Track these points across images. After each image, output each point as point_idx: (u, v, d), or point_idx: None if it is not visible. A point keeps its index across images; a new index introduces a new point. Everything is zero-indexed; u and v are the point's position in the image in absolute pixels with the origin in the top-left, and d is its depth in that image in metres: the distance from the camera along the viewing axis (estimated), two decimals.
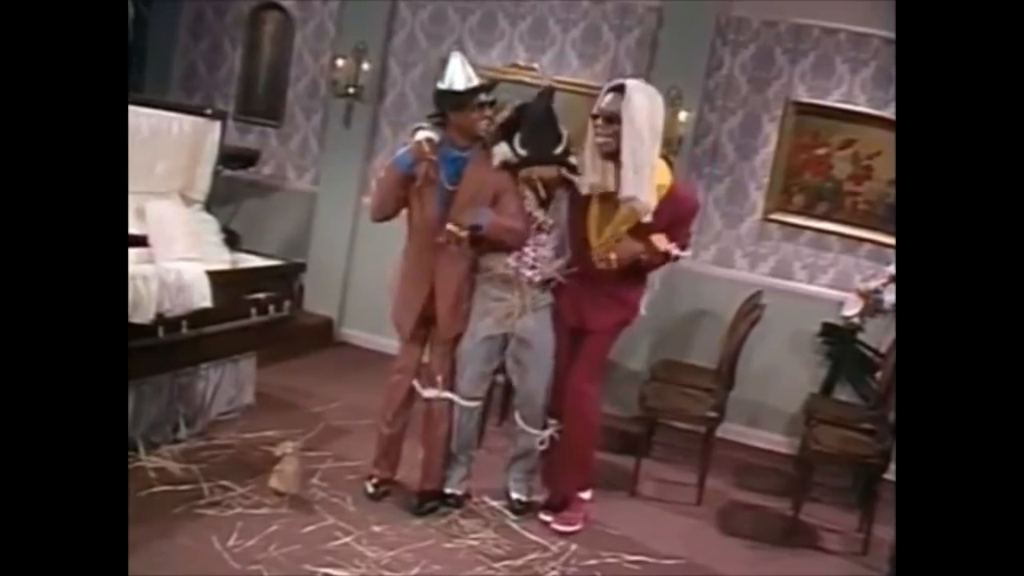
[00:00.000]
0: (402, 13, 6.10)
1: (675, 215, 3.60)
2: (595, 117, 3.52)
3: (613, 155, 3.48)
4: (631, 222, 3.52)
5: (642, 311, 3.81)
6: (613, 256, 3.54)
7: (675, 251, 3.60)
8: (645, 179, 3.45)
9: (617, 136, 3.44)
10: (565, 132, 3.62)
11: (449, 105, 3.53)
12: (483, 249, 3.64)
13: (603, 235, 3.59)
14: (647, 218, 3.50)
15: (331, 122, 6.22)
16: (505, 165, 3.60)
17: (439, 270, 3.61)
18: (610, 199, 3.54)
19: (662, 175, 3.55)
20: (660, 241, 3.55)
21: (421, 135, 3.54)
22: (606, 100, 3.52)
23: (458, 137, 3.56)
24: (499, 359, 3.82)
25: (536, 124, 3.59)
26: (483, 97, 3.51)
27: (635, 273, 3.71)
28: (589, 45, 5.72)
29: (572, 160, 3.60)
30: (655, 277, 3.94)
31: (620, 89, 3.49)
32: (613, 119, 3.45)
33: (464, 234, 3.48)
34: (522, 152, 3.57)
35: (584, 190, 3.59)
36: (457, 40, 5.87)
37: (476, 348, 3.72)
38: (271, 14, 6.46)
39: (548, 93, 3.73)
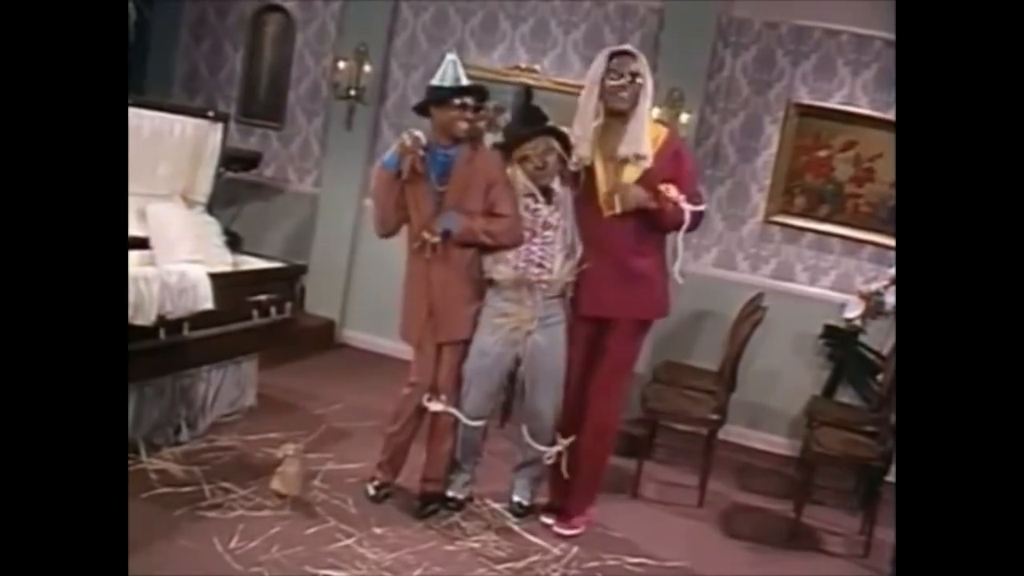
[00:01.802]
0: (404, 15, 6.11)
1: (677, 166, 3.57)
2: (612, 74, 3.51)
3: (623, 113, 3.53)
4: (635, 176, 3.53)
5: (677, 278, 3.70)
6: (617, 198, 3.49)
7: (686, 205, 3.51)
8: (648, 135, 3.53)
9: (636, 94, 3.51)
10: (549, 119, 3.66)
11: (433, 100, 3.58)
12: (481, 252, 3.63)
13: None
14: (647, 163, 3.50)
15: (333, 124, 6.22)
16: (497, 147, 3.65)
17: (435, 271, 3.60)
18: (612, 160, 3.56)
19: (655, 129, 3.62)
20: (669, 190, 3.50)
21: (406, 134, 3.59)
22: (624, 62, 3.52)
23: (440, 136, 3.59)
24: (507, 378, 3.81)
25: (520, 111, 3.66)
26: (467, 100, 3.54)
27: (649, 241, 3.64)
28: (591, 47, 5.70)
29: (563, 129, 3.59)
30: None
31: (627, 54, 3.56)
32: (637, 76, 3.51)
33: (436, 240, 3.51)
34: (510, 131, 3.64)
35: (575, 161, 3.58)
36: (459, 42, 5.88)
37: (483, 368, 3.68)
38: (273, 16, 6.47)
39: (526, 90, 3.78)
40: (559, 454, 3.78)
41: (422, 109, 3.65)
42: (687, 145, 3.94)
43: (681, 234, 3.66)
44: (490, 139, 3.70)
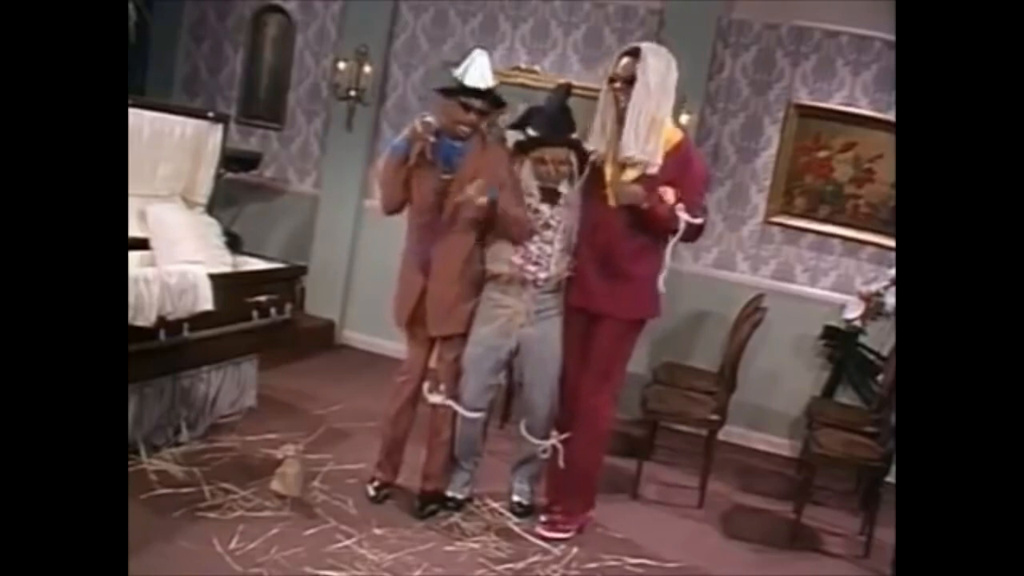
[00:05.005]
0: (404, 16, 6.11)
1: (681, 174, 3.50)
2: (612, 81, 3.50)
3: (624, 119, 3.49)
4: (633, 176, 3.50)
5: (661, 287, 3.61)
6: (612, 191, 3.47)
7: (682, 213, 3.43)
8: (643, 137, 3.44)
9: (627, 99, 3.45)
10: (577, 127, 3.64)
11: (446, 90, 3.58)
12: (488, 240, 3.63)
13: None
14: (652, 170, 3.46)
15: (333, 125, 6.22)
16: (517, 147, 3.63)
17: (435, 256, 3.61)
18: (616, 161, 3.54)
19: (669, 132, 3.53)
20: (666, 193, 3.43)
21: (418, 119, 3.57)
22: (622, 64, 3.49)
23: (445, 125, 3.57)
24: (504, 370, 3.81)
25: (551, 113, 3.65)
26: (474, 101, 3.52)
27: (647, 246, 3.58)
28: (591, 48, 5.72)
29: (586, 146, 3.58)
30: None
31: (635, 53, 3.49)
32: (631, 81, 3.44)
33: (483, 200, 3.43)
34: (534, 133, 3.60)
35: (592, 159, 3.58)
36: (459, 42, 5.88)
37: (480, 358, 3.70)
38: (273, 17, 6.48)
39: (566, 88, 3.75)
40: (554, 448, 3.79)
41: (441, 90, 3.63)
42: (701, 156, 3.81)
43: (673, 242, 3.52)
44: (512, 136, 3.67)
